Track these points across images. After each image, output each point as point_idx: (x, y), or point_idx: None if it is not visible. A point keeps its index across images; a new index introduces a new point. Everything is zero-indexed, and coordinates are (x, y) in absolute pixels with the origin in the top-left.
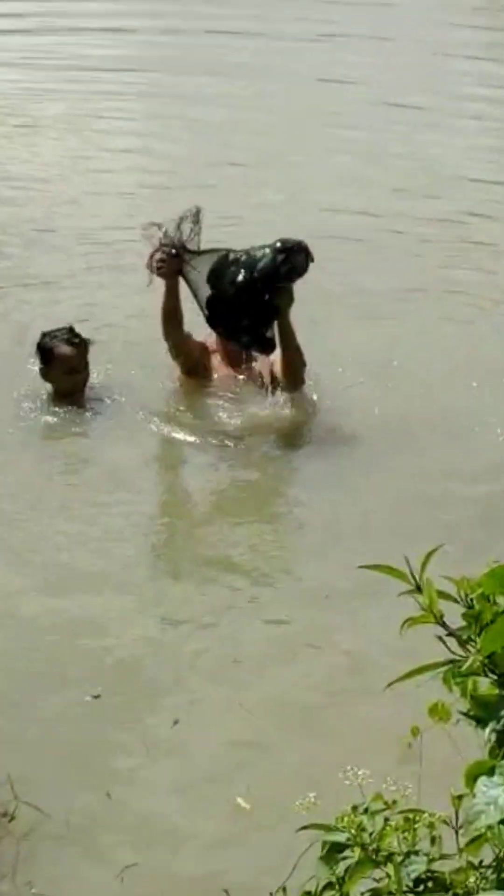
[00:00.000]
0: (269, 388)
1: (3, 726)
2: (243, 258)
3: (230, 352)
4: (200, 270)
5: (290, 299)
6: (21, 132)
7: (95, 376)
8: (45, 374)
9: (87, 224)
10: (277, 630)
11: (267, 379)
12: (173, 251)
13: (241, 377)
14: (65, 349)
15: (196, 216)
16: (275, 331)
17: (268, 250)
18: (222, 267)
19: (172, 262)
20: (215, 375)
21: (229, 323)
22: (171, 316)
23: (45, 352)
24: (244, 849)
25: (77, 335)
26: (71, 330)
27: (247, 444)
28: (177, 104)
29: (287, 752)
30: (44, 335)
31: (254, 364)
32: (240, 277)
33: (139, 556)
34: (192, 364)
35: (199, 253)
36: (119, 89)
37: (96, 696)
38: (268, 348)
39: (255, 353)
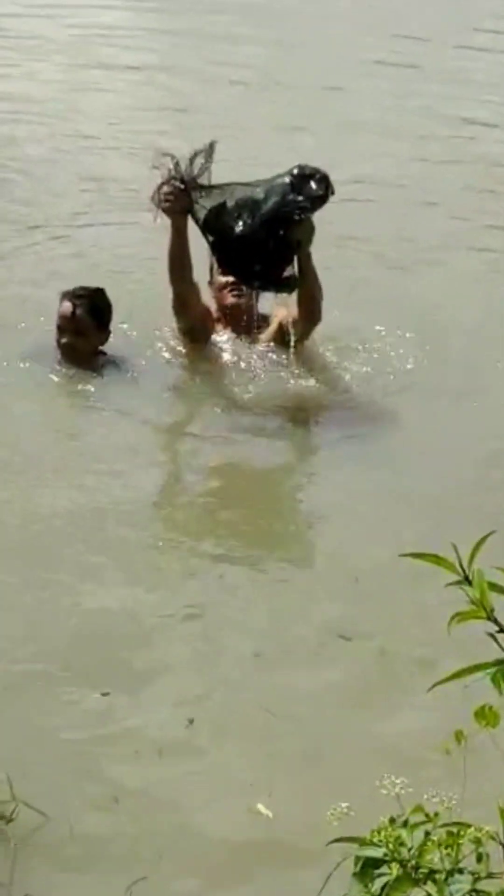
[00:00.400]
0: (285, 352)
1: (1, 721)
2: (242, 196)
3: (235, 317)
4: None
5: (310, 232)
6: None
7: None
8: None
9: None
10: (302, 620)
11: (277, 338)
12: (181, 185)
13: (248, 346)
14: (64, 306)
15: (209, 151)
16: (296, 269)
17: (284, 179)
18: (222, 207)
19: (181, 197)
20: (220, 344)
21: (239, 268)
22: (177, 260)
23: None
24: (267, 862)
25: (86, 295)
26: (94, 291)
27: (261, 418)
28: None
29: (313, 756)
30: (73, 288)
31: (261, 331)
32: (242, 221)
33: (143, 539)
34: (194, 324)
35: (210, 188)
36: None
37: (105, 694)
38: (286, 288)
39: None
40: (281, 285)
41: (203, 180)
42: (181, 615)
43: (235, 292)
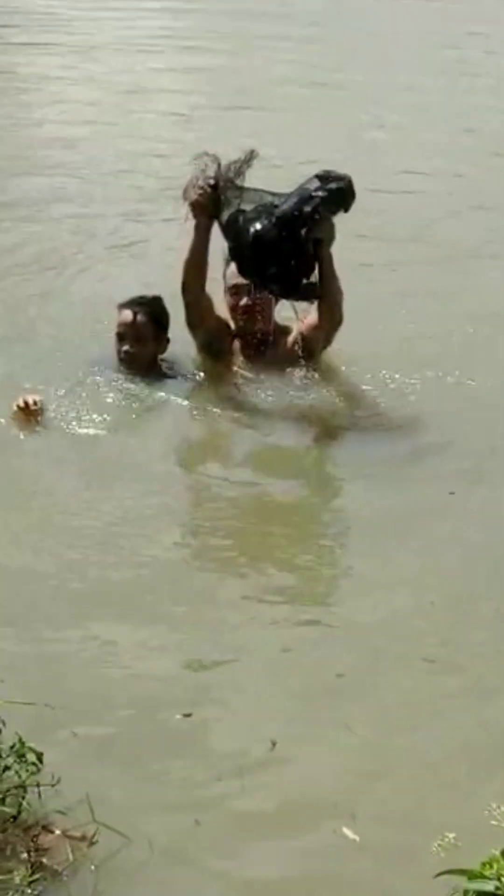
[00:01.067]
0: (301, 367)
1: (81, 740)
2: (262, 202)
3: (250, 322)
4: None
5: (330, 231)
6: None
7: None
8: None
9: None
10: (377, 638)
11: (296, 352)
12: (213, 183)
13: (266, 359)
14: (124, 314)
15: (249, 157)
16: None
17: (307, 184)
18: (240, 212)
19: (209, 195)
20: (237, 361)
21: (255, 272)
22: (195, 261)
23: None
24: (359, 892)
25: (145, 303)
26: (152, 300)
27: (280, 436)
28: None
29: (404, 779)
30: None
31: (276, 347)
32: (259, 223)
33: (196, 561)
34: (210, 338)
35: (241, 189)
36: None
37: (187, 715)
38: (308, 295)
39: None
40: (302, 292)
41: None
42: (260, 639)
43: (247, 297)
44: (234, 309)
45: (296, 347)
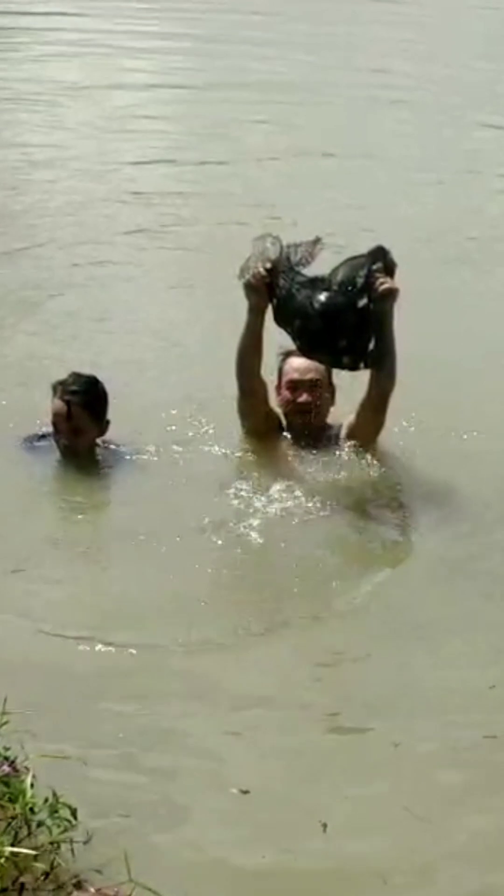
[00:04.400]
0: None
1: (117, 796)
2: (315, 281)
3: (305, 431)
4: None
5: (393, 297)
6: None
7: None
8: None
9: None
10: (436, 713)
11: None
12: (269, 267)
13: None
14: (56, 404)
15: (313, 244)
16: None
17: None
18: (289, 294)
19: (263, 277)
20: (285, 450)
21: (324, 349)
22: (249, 342)
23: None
24: None
25: (83, 391)
26: (85, 383)
27: (321, 510)
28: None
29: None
30: (63, 379)
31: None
32: (320, 296)
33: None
34: (259, 426)
35: (297, 274)
36: None
37: (245, 792)
38: (377, 362)
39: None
40: (369, 359)
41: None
42: (321, 710)
43: (306, 393)
44: (288, 404)
45: (348, 440)
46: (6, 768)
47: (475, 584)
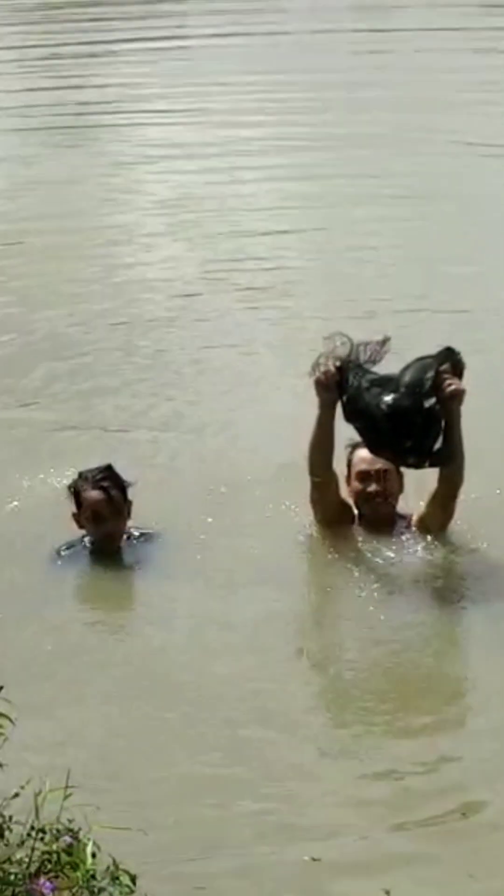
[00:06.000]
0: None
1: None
2: (383, 379)
3: (376, 520)
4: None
5: (459, 399)
6: None
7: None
8: (77, 519)
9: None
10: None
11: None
12: (338, 365)
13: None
14: (92, 494)
15: (382, 343)
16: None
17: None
18: (358, 391)
19: (332, 375)
20: (357, 539)
21: (390, 448)
22: (320, 438)
23: (74, 495)
24: None
25: (109, 476)
26: (107, 469)
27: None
28: None
29: None
30: (78, 475)
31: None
32: (387, 396)
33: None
34: (333, 515)
35: (366, 372)
36: None
37: (315, 859)
38: (443, 461)
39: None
40: (435, 457)
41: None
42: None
43: (375, 484)
44: (359, 494)
45: (419, 529)
46: (68, 839)
47: None
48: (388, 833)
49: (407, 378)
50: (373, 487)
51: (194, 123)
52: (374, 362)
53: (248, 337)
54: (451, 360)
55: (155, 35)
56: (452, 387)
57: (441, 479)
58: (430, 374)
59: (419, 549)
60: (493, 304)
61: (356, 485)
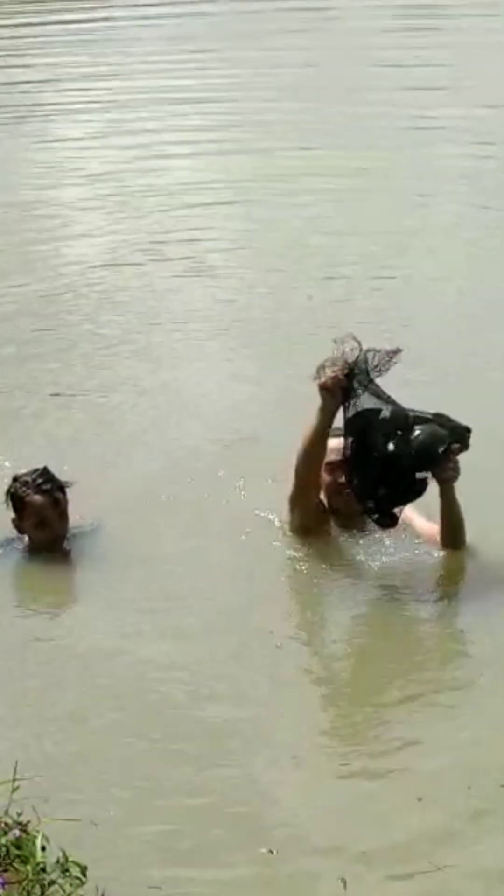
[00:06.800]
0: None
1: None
2: (394, 414)
3: (348, 513)
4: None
5: (456, 474)
6: None
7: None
8: (17, 524)
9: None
10: None
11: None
12: (347, 370)
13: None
14: (36, 499)
15: (392, 353)
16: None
17: (433, 427)
18: (375, 416)
19: (340, 380)
20: (333, 538)
21: (365, 482)
22: (314, 441)
23: (15, 501)
24: None
25: (49, 478)
26: (45, 472)
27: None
28: None
29: None
30: (14, 479)
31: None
32: (391, 445)
33: None
34: (308, 522)
35: (371, 383)
36: None
37: (271, 852)
38: (388, 525)
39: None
40: (386, 520)
41: (373, 376)
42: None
43: (341, 475)
44: (329, 486)
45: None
46: (17, 832)
47: None
48: (346, 823)
49: (420, 438)
50: (343, 478)
51: (123, 105)
52: (381, 372)
53: (177, 310)
54: (462, 440)
55: (83, 17)
56: (450, 472)
57: (443, 542)
58: (442, 449)
59: (394, 544)
60: (415, 273)
61: (325, 477)
